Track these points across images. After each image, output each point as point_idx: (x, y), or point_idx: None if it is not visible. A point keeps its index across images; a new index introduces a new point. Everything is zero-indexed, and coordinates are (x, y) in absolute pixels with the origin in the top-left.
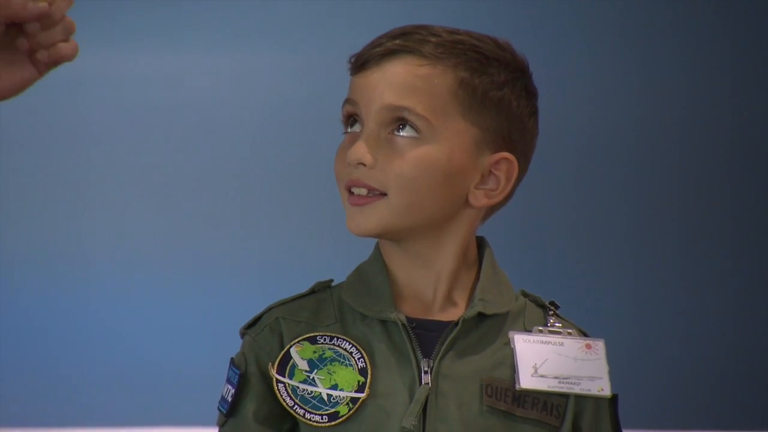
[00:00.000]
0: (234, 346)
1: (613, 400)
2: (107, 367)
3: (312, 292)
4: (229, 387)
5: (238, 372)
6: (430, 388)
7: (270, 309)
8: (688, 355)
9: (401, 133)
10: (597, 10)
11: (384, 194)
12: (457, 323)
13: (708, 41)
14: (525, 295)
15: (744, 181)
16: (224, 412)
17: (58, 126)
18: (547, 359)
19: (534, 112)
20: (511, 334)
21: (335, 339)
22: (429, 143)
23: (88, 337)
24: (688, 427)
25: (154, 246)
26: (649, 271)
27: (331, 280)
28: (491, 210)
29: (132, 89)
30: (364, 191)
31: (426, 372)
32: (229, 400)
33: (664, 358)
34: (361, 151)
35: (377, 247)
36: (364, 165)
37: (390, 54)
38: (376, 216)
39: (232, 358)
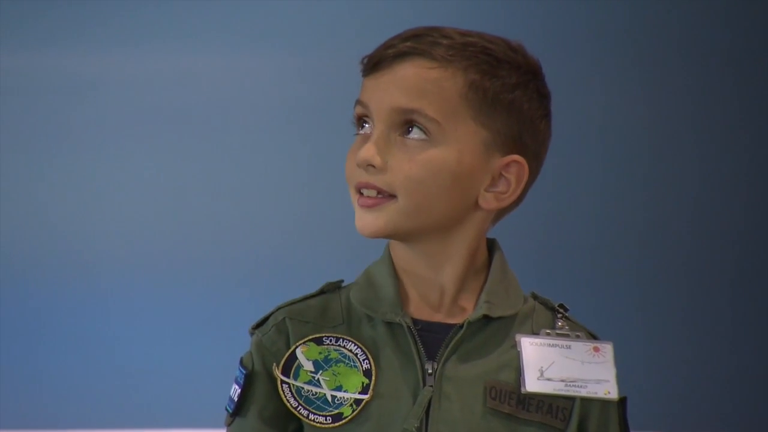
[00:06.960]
0: (237, 348)
1: (622, 403)
2: (109, 368)
3: (321, 292)
4: (236, 386)
5: (244, 372)
6: (433, 391)
7: (278, 309)
8: (694, 357)
9: (411, 136)
10: (601, 12)
11: (393, 196)
12: (461, 326)
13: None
14: (535, 297)
15: (749, 185)
16: (230, 411)
17: (66, 126)
18: (553, 362)
19: (546, 115)
20: (517, 337)
21: (341, 340)
22: (438, 146)
23: (91, 338)
24: (693, 430)
25: (159, 247)
26: (657, 274)
27: (342, 281)
28: (502, 212)
29: (139, 90)
30: (373, 192)
31: (430, 374)
32: (236, 399)
33: (671, 360)
34: (370, 153)
35: (387, 248)
36: (374, 167)
37: (401, 56)
38: (384, 217)
39: (240, 358)
